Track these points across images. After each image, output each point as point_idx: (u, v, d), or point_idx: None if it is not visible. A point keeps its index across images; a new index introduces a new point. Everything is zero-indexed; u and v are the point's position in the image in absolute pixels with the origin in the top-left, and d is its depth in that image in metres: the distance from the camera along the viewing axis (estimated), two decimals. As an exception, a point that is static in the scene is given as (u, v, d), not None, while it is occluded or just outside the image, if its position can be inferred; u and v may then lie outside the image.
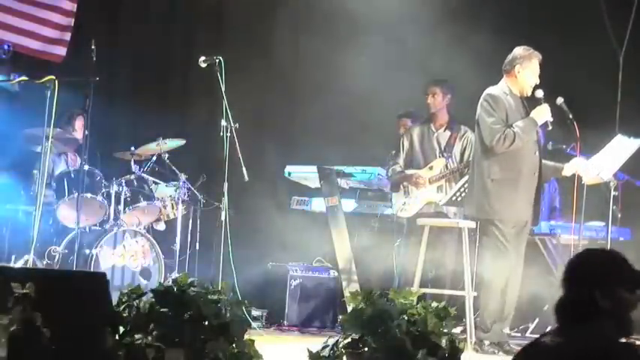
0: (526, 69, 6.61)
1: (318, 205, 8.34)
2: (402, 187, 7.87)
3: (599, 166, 6.74)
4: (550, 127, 6.68)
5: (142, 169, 8.11)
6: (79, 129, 8.12)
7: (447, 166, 7.85)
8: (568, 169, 6.80)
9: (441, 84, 7.95)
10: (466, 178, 7.39)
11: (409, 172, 7.84)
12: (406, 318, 4.24)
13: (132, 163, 8.07)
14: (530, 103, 6.72)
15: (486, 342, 6.52)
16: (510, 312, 6.61)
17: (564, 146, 7.38)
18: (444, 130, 7.97)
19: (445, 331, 4.28)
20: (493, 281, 6.54)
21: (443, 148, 7.91)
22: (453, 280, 7.64)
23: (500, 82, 6.71)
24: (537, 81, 6.64)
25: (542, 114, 6.59)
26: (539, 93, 6.64)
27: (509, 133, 6.49)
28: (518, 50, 6.68)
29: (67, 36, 9.23)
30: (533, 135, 6.60)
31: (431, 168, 7.83)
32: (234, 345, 4.06)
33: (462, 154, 7.89)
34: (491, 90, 6.68)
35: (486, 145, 6.56)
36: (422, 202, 7.79)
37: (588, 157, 6.89)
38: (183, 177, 8.20)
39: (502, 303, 6.53)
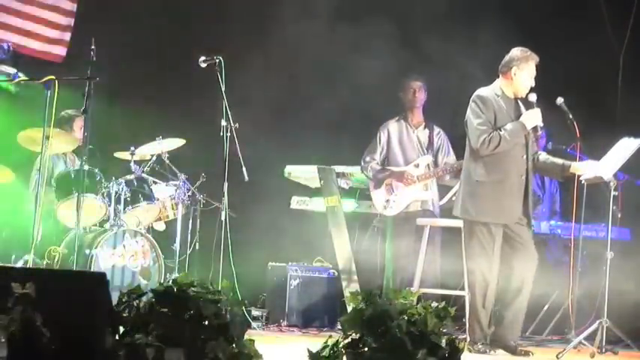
0: (523, 71, 6.57)
1: (318, 205, 8.34)
2: (384, 184, 7.83)
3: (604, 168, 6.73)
4: (540, 132, 6.66)
5: (142, 169, 8.11)
6: (78, 129, 8.12)
7: (429, 165, 7.86)
8: (584, 170, 6.73)
9: (422, 79, 7.96)
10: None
11: (396, 169, 7.81)
12: (406, 318, 4.23)
13: (132, 163, 8.07)
14: (523, 105, 6.69)
15: (479, 342, 6.52)
16: (519, 309, 6.59)
17: (564, 146, 7.38)
18: (424, 129, 7.97)
19: (445, 331, 4.28)
20: (477, 282, 6.55)
21: (426, 147, 7.91)
22: (442, 280, 7.66)
23: (494, 82, 6.68)
24: (533, 84, 6.59)
25: (533, 118, 6.54)
26: (533, 97, 6.59)
27: (494, 136, 6.47)
28: (516, 52, 6.63)
29: (67, 36, 9.24)
30: (521, 139, 6.56)
31: (417, 166, 7.82)
32: (234, 345, 4.06)
33: (437, 153, 7.91)
34: (481, 91, 6.65)
35: (472, 146, 6.56)
36: (408, 199, 7.77)
37: (586, 159, 6.89)
38: (183, 177, 8.20)
39: (488, 302, 6.52)
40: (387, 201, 7.77)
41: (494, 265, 6.52)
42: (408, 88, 7.96)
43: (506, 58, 6.64)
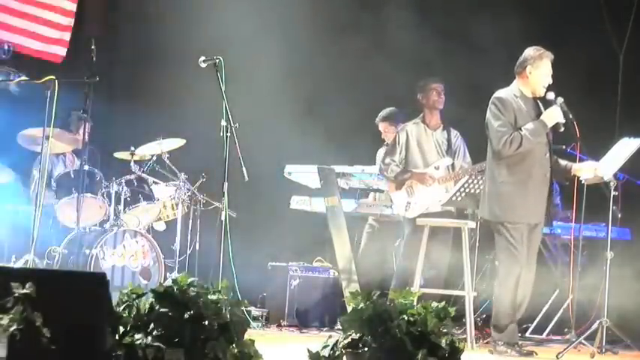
0: (537, 69, 6.58)
1: (318, 205, 8.34)
2: (405, 186, 7.79)
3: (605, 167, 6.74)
4: (562, 129, 6.65)
5: (142, 169, 8.11)
6: (82, 133, 8.13)
7: (449, 167, 7.82)
8: (585, 172, 6.76)
9: (443, 82, 7.92)
10: (466, 178, 7.38)
11: (417, 170, 7.77)
12: (406, 318, 4.23)
13: (132, 163, 8.07)
14: (543, 104, 6.68)
15: (500, 342, 6.53)
16: (521, 311, 6.63)
17: (564, 146, 7.37)
18: (442, 131, 7.94)
19: (445, 331, 4.28)
20: (506, 281, 6.55)
21: (445, 149, 7.88)
22: (448, 280, 7.63)
23: (512, 84, 6.68)
24: (550, 81, 6.60)
25: (553, 116, 6.56)
26: (551, 95, 6.61)
27: (515, 137, 6.47)
28: (529, 51, 6.64)
29: (67, 36, 9.24)
30: (542, 137, 6.57)
31: (437, 168, 7.79)
32: (234, 345, 4.06)
33: (455, 156, 7.88)
34: (499, 93, 6.65)
35: (494, 148, 6.56)
36: (429, 201, 7.73)
37: (586, 159, 6.89)
38: (183, 177, 8.21)
39: (514, 302, 6.53)
40: (408, 203, 7.72)
41: (523, 264, 6.52)
42: (430, 89, 7.87)
43: (521, 58, 6.64)
